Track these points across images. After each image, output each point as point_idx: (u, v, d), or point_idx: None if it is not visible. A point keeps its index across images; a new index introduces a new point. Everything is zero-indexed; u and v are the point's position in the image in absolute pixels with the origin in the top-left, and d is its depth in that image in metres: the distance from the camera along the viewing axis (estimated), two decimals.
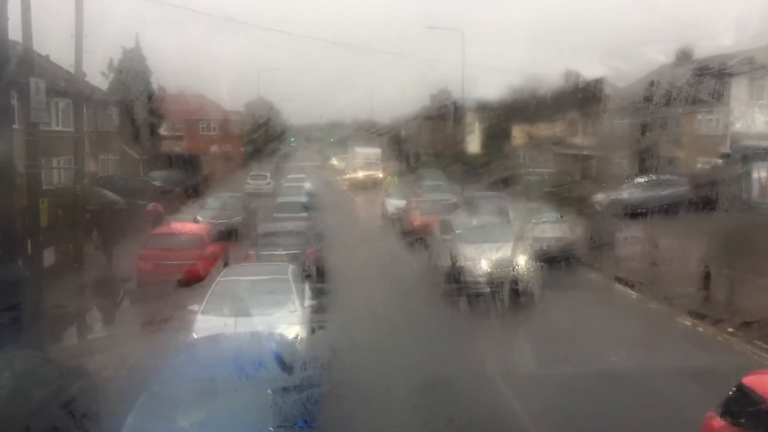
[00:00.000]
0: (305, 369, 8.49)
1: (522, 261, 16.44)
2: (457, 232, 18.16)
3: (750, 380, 7.56)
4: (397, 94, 75.21)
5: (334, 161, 58.56)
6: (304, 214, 24.51)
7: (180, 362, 8.64)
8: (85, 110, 24.63)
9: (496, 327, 14.46)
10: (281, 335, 9.92)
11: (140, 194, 29.31)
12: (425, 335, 13.84)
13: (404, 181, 39.34)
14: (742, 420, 7.04)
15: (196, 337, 10.94)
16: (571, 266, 19.25)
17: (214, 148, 54.05)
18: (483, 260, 16.32)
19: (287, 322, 11.25)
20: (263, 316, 11.28)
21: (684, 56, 35.42)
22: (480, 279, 15.93)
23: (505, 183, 36.89)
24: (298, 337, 11.08)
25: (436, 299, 16.75)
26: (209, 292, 12.19)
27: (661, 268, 17.33)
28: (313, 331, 11.93)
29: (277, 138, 70.51)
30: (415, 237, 23.22)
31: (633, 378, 11.00)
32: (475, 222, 19.72)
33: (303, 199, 26.38)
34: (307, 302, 12.25)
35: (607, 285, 18.18)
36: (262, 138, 65.68)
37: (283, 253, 16.68)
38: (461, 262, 16.54)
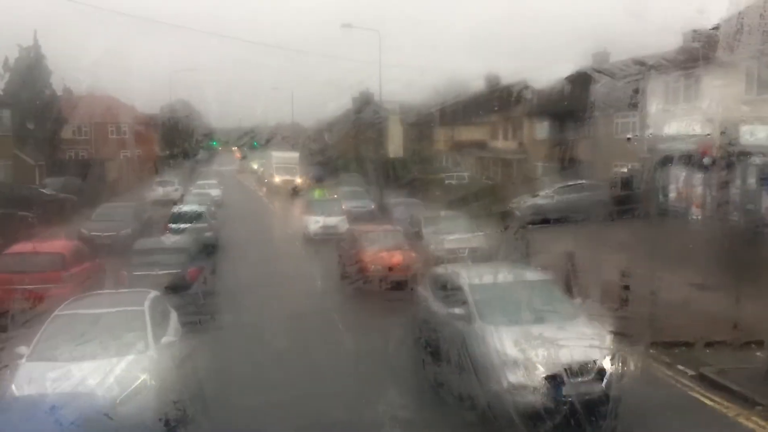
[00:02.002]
0: None
1: (609, 364, 9.18)
2: (473, 298, 10.35)
3: None
4: (321, 96, 73.08)
5: (254, 166, 55.89)
6: (204, 225, 22.08)
7: None
8: None
9: None
10: (107, 395, 7.69)
11: (26, 204, 26.18)
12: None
13: (328, 189, 34.60)
14: None
15: (16, 394, 8.57)
16: None
17: (124, 153, 50.57)
18: (548, 367, 8.87)
19: (133, 368, 8.99)
20: (103, 361, 8.99)
21: (600, 59, 34.72)
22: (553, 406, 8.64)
23: (424, 188, 35.37)
24: (146, 384, 8.86)
25: None
26: (41, 330, 9.75)
27: (578, 281, 15.80)
28: (175, 372, 9.68)
29: (197, 142, 67.15)
30: (363, 281, 17.03)
31: None
32: (496, 276, 11.20)
33: (202, 208, 23.81)
34: (167, 339, 10.00)
35: None
36: (180, 142, 62.32)
37: (160, 273, 14.33)
38: (508, 376, 8.92)
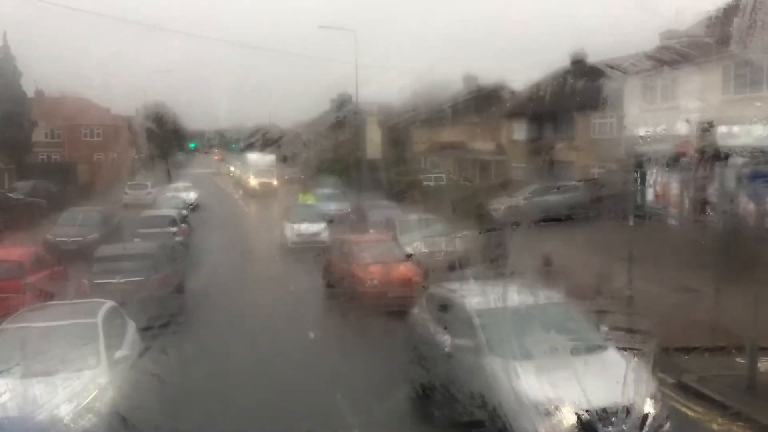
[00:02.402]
0: None
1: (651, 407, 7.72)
2: (481, 325, 8.71)
3: None
4: (300, 97, 72.37)
5: (232, 168, 55.06)
6: (174, 230, 21.40)
7: None
8: None
9: None
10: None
11: None
12: None
13: (312, 193, 32.60)
14: None
15: None
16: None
17: (98, 156, 49.53)
18: (577, 412, 7.32)
19: (82, 385, 8.37)
20: (50, 378, 8.37)
21: (578, 60, 34.51)
22: None
23: (403, 190, 34.88)
24: (97, 402, 8.26)
25: None
26: None
27: (559, 286, 15.37)
28: (129, 389, 9.07)
29: (174, 144, 66.10)
30: (356, 299, 14.85)
31: None
32: (506, 298, 9.11)
33: (172, 212, 23.08)
34: (122, 353, 9.37)
35: None
36: (156, 144, 61.25)
37: (122, 281, 13.67)
38: (529, 424, 7.40)
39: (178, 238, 21.19)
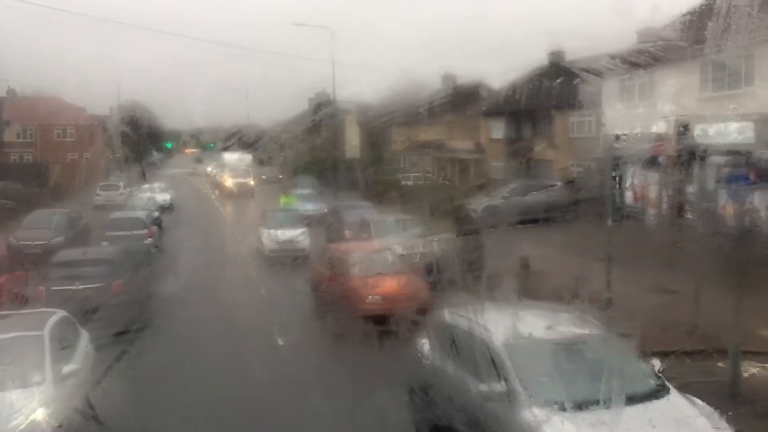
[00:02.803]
0: None
1: None
2: (514, 366, 6.94)
3: None
4: (279, 96, 71.49)
5: (209, 168, 54.14)
6: (143, 232, 20.65)
7: None
8: None
9: None
10: None
11: None
12: None
13: (293, 196, 30.23)
14: None
15: None
16: (440, 288, 16.60)
17: (72, 156, 48.38)
18: None
19: (25, 403, 7.73)
20: None
21: (556, 59, 34.19)
22: None
23: (380, 189, 34.35)
24: (41, 421, 7.63)
25: None
26: None
27: (539, 291, 14.90)
28: (78, 405, 8.43)
29: (150, 144, 64.96)
30: (352, 317, 12.77)
31: None
32: (538, 329, 7.53)
33: (141, 214, 22.29)
34: (71, 367, 8.70)
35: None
36: (132, 144, 60.07)
37: (81, 287, 12.97)
38: None
39: (147, 241, 20.45)
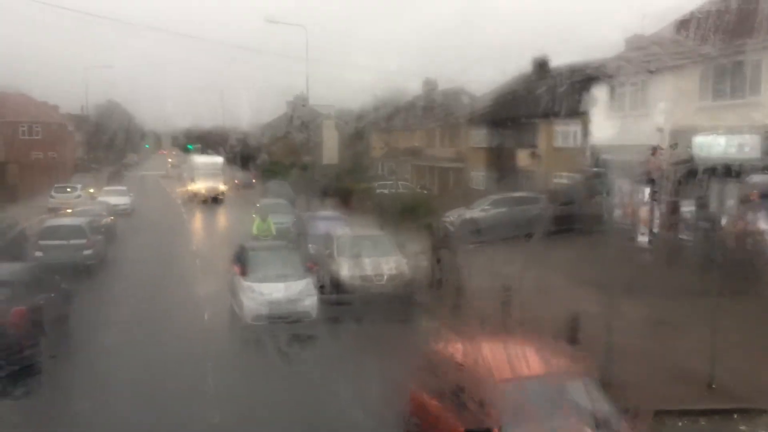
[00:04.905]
0: None
1: None
2: None
3: None
4: (260, 99, 68.88)
5: (183, 170, 51.43)
6: (81, 242, 18.04)
7: None
8: None
9: None
10: None
11: None
12: None
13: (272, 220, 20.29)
14: None
15: None
16: (409, 313, 14.23)
17: (36, 155, 45.50)
18: None
19: None
20: None
21: (540, 65, 32.08)
22: None
23: (355, 198, 32.00)
24: None
25: None
26: None
27: (524, 321, 12.51)
28: None
29: (125, 144, 62.18)
30: None
31: None
32: None
33: (80, 221, 19.46)
34: None
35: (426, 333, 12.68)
36: (105, 144, 57.31)
37: None
38: None
39: (86, 252, 17.86)
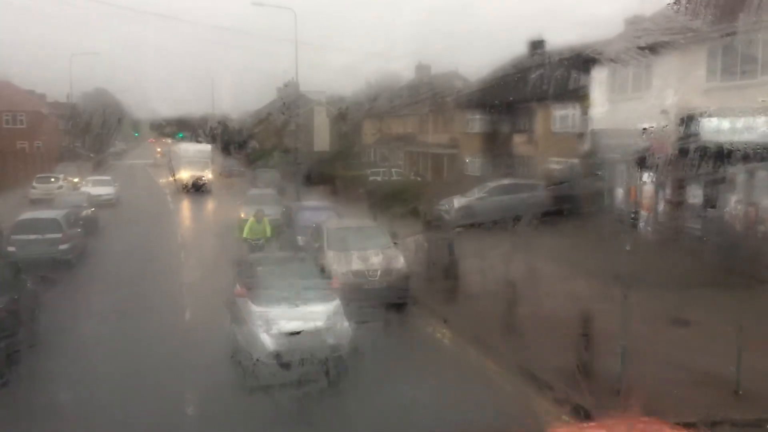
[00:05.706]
0: None
1: None
2: None
3: None
4: (250, 86, 67.46)
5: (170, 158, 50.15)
6: (57, 236, 16.92)
7: None
8: None
9: None
10: None
11: None
12: None
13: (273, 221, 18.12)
14: None
15: None
16: (404, 312, 13.25)
17: (21, 144, 44.14)
18: None
19: None
20: None
21: (536, 47, 30.96)
22: None
23: (347, 186, 30.94)
24: None
25: None
26: None
27: (530, 323, 11.50)
28: None
29: (113, 132, 60.69)
30: None
31: None
32: None
33: (55, 213, 18.25)
34: None
35: (456, 351, 11.57)
36: (93, 133, 55.87)
37: None
38: None
39: (61, 247, 16.76)
